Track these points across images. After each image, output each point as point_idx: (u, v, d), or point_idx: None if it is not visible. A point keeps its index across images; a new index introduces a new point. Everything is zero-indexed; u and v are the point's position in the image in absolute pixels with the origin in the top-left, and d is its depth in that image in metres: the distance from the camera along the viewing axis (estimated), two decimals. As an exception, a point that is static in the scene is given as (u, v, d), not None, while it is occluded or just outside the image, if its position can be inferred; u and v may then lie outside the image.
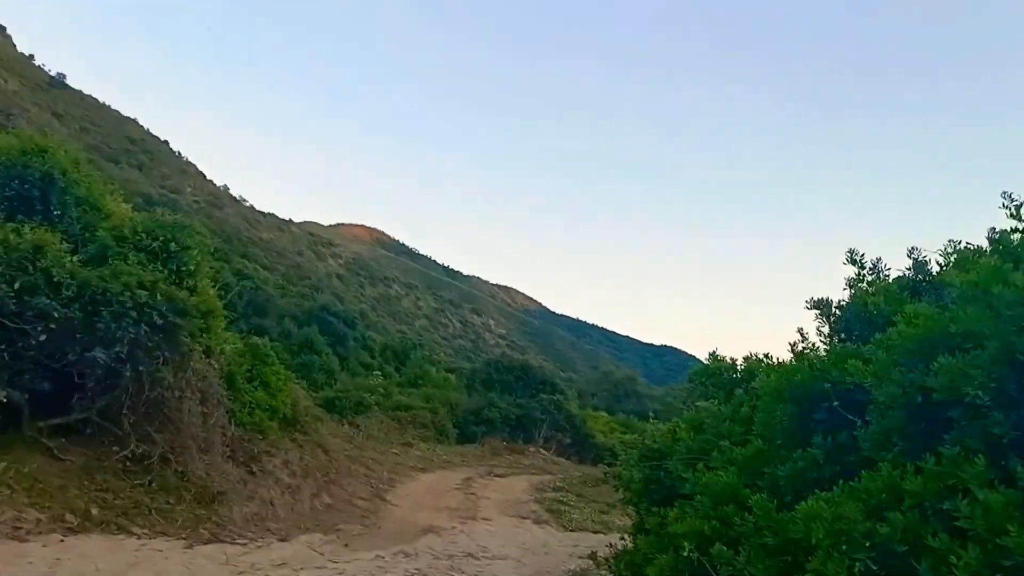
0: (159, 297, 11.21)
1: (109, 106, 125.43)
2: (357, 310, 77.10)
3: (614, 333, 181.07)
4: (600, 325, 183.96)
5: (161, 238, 12.57)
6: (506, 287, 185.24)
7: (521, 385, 38.69)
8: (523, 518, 18.55)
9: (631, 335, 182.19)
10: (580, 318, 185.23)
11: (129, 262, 11.61)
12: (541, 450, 36.03)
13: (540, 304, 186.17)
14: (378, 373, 35.76)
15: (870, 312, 5.90)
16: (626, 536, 7.71)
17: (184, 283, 12.56)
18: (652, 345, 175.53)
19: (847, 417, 4.55)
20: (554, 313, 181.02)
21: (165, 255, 12.50)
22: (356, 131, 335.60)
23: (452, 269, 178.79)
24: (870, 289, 6.20)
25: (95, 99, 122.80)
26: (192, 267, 12.98)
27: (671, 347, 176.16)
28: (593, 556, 8.21)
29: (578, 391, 60.37)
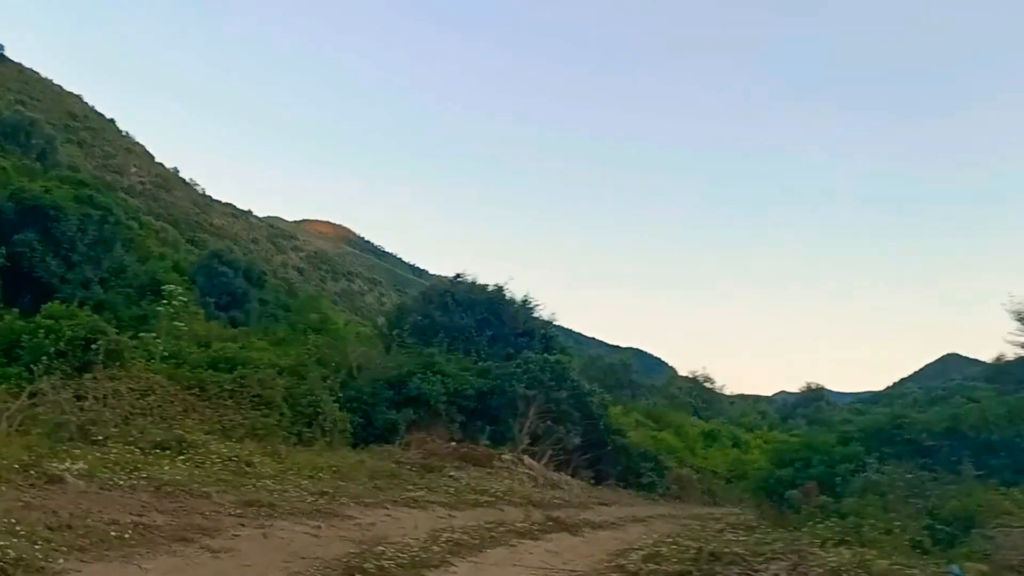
0: None
1: (51, 80, 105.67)
2: (279, 273, 57.60)
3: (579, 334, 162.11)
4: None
5: None
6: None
7: (489, 337, 19.30)
8: None
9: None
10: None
11: None
12: (524, 459, 16.60)
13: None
14: (175, 291, 15.53)
15: None
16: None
17: None
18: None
19: None
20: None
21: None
22: (327, 123, 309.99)
23: (418, 268, 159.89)
24: None
25: (36, 72, 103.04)
26: None
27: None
28: None
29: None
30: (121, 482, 7.32)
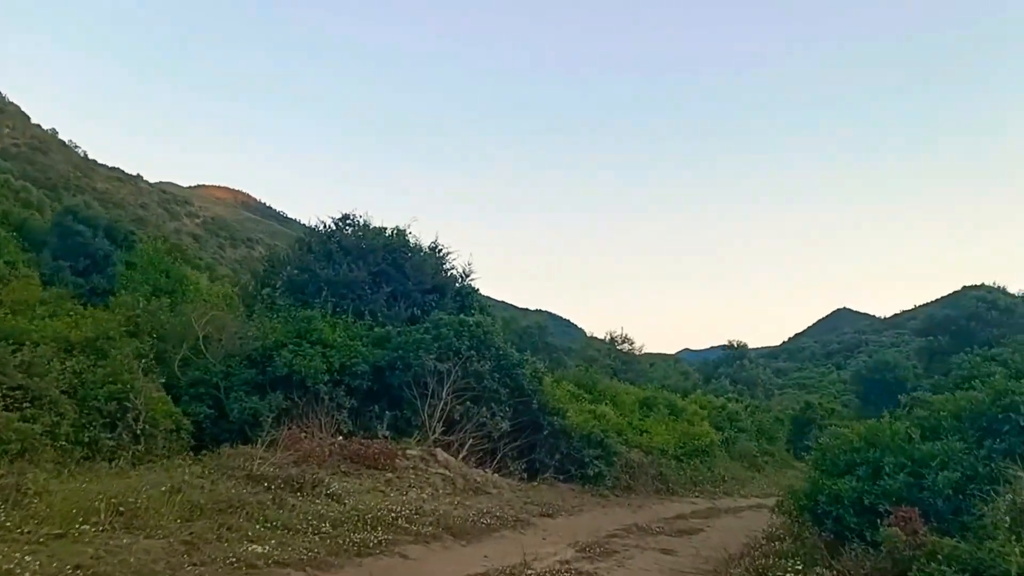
0: None
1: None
2: (172, 240, 51.01)
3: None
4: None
5: None
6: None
7: (387, 295, 14.86)
8: None
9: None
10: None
11: None
12: (438, 453, 12.36)
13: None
14: None
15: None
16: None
17: None
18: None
19: None
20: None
21: None
22: (220, 83, 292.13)
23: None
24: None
25: None
26: None
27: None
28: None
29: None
30: None
